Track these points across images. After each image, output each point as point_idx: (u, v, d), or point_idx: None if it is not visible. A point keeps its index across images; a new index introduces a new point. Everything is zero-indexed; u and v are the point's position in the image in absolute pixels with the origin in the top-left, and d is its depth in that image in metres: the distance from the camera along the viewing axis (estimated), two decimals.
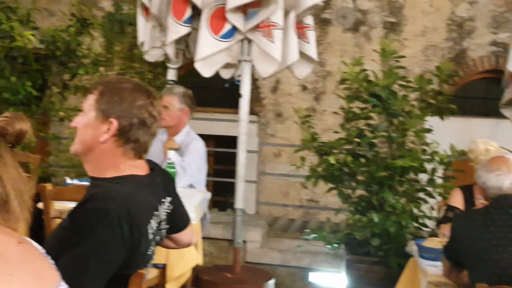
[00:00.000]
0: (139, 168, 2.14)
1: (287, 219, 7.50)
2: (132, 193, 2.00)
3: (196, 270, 4.32)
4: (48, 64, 5.94)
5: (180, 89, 4.56)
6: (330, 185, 4.97)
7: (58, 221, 3.01)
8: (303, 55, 4.87)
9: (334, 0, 7.92)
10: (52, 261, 1.42)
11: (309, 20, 4.94)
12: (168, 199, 2.24)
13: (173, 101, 4.47)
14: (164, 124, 4.49)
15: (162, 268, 3.51)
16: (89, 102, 2.12)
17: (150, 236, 2.06)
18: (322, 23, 7.89)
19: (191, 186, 4.39)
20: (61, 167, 6.35)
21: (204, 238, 4.65)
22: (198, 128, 4.79)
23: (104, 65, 6.25)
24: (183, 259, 3.72)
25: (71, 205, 2.06)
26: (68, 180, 4.23)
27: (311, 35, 4.96)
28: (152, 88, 2.22)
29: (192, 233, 2.53)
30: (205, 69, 4.65)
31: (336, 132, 4.98)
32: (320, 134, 5.14)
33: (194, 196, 4.13)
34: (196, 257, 3.95)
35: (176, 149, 4.25)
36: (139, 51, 5.39)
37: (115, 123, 2.07)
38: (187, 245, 2.55)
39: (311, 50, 4.96)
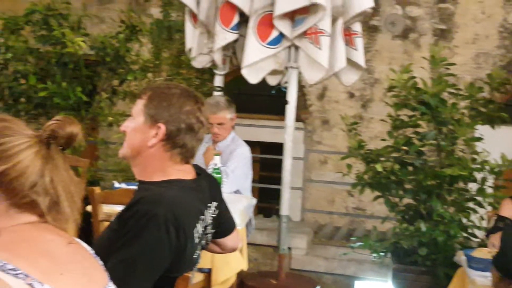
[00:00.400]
0: (186, 173, 2.16)
1: (332, 226, 7.44)
2: (179, 197, 2.02)
3: (241, 275, 4.33)
4: (97, 70, 6.02)
5: (222, 99, 4.56)
6: (377, 193, 4.92)
7: (107, 224, 3.05)
8: (350, 62, 4.83)
9: (383, 7, 7.84)
10: (101, 262, 1.44)
11: (357, 27, 4.90)
12: (214, 203, 2.25)
13: (225, 115, 4.49)
14: (221, 140, 4.51)
15: (207, 273, 3.52)
16: (138, 107, 2.15)
17: (196, 240, 2.07)
18: (371, 30, 7.83)
19: (236, 192, 4.40)
20: (109, 171, 6.43)
21: (249, 244, 4.66)
22: (244, 135, 4.80)
23: (152, 71, 6.30)
24: (228, 264, 3.72)
25: (119, 208, 2.09)
26: (116, 184, 4.27)
27: (359, 42, 4.92)
28: (199, 94, 2.24)
29: (238, 238, 2.53)
30: (252, 76, 4.66)
31: (383, 139, 4.92)
32: (367, 141, 5.08)
33: (239, 201, 4.14)
34: (241, 263, 3.95)
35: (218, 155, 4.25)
36: (186, 58, 5.43)
37: (163, 128, 2.09)
38: (233, 250, 2.56)
39: (359, 57, 4.92)
